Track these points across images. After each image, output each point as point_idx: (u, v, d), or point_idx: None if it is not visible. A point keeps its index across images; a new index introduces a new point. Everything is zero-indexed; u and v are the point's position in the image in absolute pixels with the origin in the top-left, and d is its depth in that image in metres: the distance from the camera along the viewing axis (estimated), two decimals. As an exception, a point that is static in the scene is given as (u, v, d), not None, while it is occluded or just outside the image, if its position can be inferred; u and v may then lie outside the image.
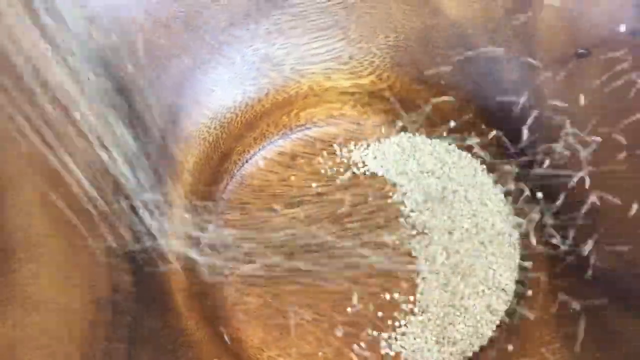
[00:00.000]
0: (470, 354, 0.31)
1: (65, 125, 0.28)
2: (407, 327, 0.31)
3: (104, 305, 0.30)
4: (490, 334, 0.31)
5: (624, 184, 0.29)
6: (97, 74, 0.30)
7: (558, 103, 0.30)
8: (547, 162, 0.31)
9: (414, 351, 0.31)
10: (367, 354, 0.31)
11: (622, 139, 0.29)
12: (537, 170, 0.31)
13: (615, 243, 0.29)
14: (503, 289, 0.31)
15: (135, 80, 0.31)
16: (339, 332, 0.31)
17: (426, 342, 0.31)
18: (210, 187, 0.33)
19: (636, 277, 0.28)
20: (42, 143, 0.28)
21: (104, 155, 0.29)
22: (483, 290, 0.31)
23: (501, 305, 0.31)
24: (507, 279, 0.31)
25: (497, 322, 0.31)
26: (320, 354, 0.31)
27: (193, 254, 0.31)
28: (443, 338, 0.31)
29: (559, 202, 0.30)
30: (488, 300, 0.31)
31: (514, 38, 0.31)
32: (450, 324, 0.31)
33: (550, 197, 0.31)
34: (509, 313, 0.31)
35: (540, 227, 0.31)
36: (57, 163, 0.28)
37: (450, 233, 0.31)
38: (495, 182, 0.32)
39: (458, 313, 0.31)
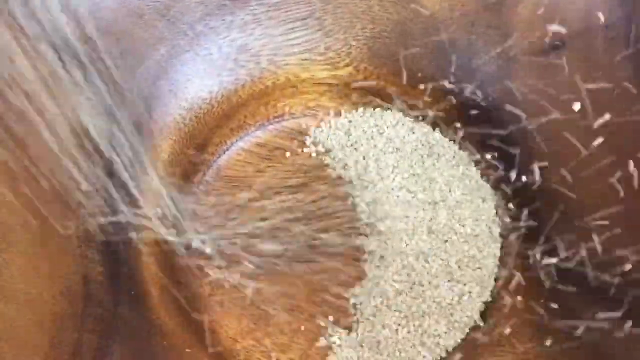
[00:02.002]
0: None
1: (38, 115, 0.28)
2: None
3: (74, 296, 0.30)
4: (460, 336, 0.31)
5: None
6: (71, 64, 0.29)
7: (534, 95, 0.30)
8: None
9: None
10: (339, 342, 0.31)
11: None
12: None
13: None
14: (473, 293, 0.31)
15: (110, 71, 0.30)
16: (315, 322, 0.31)
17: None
18: (186, 178, 0.33)
19: (605, 272, 0.29)
20: (12, 133, 0.28)
21: (77, 148, 0.29)
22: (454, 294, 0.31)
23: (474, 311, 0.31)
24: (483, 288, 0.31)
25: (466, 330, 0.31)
26: (294, 344, 0.31)
27: (167, 243, 0.30)
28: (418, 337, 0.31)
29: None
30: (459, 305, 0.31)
31: (491, 30, 0.31)
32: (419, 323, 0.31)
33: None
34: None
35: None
36: (28, 151, 0.28)
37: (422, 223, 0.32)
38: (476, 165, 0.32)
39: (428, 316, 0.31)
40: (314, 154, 0.33)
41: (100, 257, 0.31)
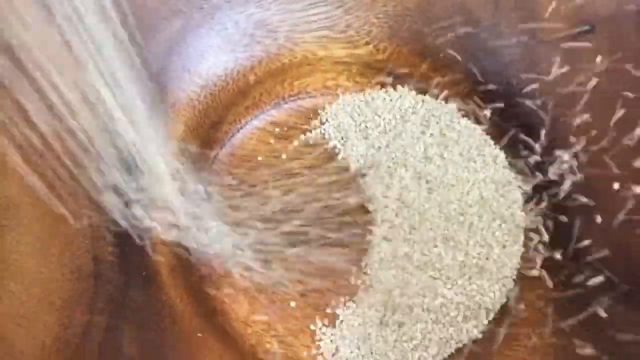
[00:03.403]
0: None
1: (49, 92, 0.27)
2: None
3: (85, 276, 0.29)
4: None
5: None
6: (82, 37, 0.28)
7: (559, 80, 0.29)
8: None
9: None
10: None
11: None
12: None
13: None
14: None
15: (122, 45, 0.29)
16: (328, 308, 0.31)
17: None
18: (199, 157, 0.32)
19: (628, 265, 0.28)
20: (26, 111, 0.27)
21: (88, 125, 0.28)
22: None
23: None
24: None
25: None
26: (306, 329, 0.31)
27: (178, 225, 0.30)
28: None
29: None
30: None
31: (516, 11, 0.30)
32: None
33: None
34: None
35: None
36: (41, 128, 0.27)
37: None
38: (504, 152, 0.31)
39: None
40: (328, 134, 0.32)
41: (111, 237, 0.30)
